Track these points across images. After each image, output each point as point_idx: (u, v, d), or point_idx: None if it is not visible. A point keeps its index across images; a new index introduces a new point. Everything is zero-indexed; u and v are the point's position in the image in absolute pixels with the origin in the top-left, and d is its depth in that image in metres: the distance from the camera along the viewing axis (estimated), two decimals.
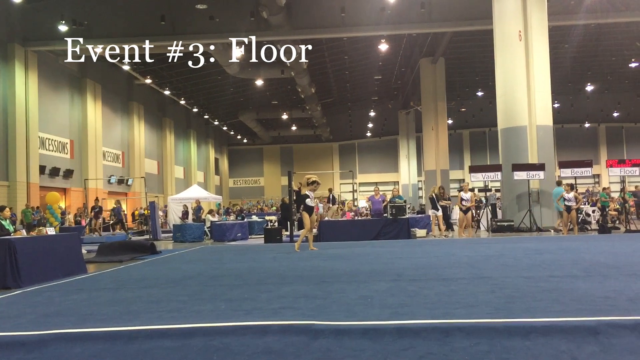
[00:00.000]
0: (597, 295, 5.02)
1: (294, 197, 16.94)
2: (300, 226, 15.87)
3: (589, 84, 42.64)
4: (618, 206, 22.70)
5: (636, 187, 27.24)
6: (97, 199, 24.20)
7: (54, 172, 26.13)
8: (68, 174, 27.27)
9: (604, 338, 3.60)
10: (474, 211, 20.67)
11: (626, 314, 4.05)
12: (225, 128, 50.88)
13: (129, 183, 33.54)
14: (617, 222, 21.20)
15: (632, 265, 7.43)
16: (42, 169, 24.91)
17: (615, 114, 49.31)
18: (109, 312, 4.98)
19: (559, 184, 17.84)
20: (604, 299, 4.78)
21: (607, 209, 21.41)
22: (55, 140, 26.88)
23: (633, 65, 35.80)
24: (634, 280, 5.89)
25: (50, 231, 9.94)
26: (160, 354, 3.66)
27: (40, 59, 25.16)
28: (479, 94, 42.99)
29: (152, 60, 30.33)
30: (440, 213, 17.44)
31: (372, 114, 49.36)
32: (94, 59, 27.13)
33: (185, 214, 24.01)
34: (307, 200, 11.66)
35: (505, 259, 8.60)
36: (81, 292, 6.64)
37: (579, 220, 17.90)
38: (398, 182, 49.65)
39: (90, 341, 3.92)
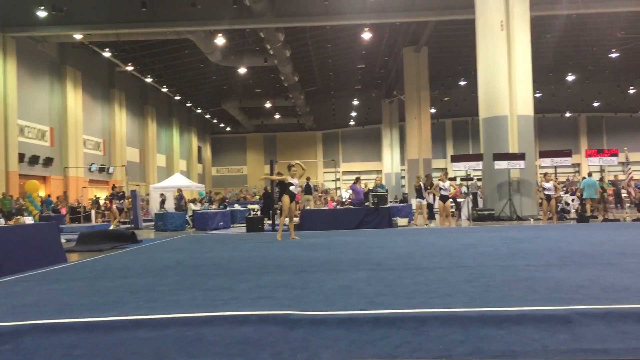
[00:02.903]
0: (571, 284, 5.10)
1: (277, 188, 16.92)
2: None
3: (570, 74, 43.00)
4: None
5: (615, 176, 27.65)
6: (113, 186, 22.34)
7: (34, 160, 25.80)
8: (48, 162, 26.95)
9: (576, 326, 3.67)
10: (459, 200, 20.89)
11: (598, 303, 4.12)
12: (208, 116, 50.59)
13: (110, 171, 33.24)
14: (596, 211, 21.48)
15: (607, 254, 7.55)
16: (21, 157, 24.56)
17: (595, 104, 49.82)
18: (86, 303, 4.95)
19: (589, 174, 18.63)
20: (578, 288, 4.86)
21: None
22: (34, 128, 26.51)
23: (613, 55, 36.13)
24: (608, 270, 5.99)
25: (29, 220, 9.85)
26: (136, 344, 3.66)
27: (19, 45, 24.73)
28: (462, 83, 43.17)
29: (134, 47, 30.04)
30: (425, 202, 17.55)
31: (355, 102, 49.35)
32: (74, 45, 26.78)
33: (162, 203, 23.84)
34: (291, 188, 11.68)
35: (484, 248, 8.69)
36: (59, 282, 6.60)
37: (558, 209, 18.13)
38: (381, 170, 49.77)
39: (66, 332, 3.90)
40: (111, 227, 18.54)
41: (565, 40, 34.99)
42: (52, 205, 24.07)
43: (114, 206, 19.73)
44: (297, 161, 12.34)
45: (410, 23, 30.21)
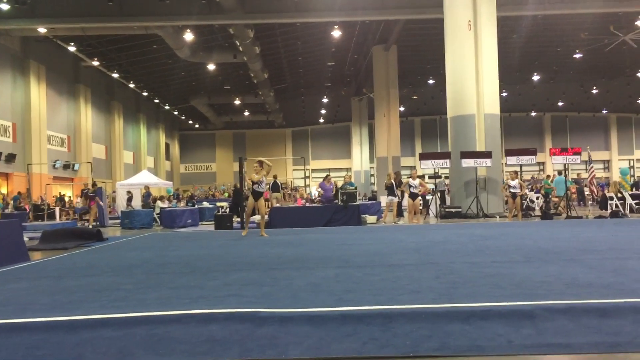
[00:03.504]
0: (536, 280, 5.20)
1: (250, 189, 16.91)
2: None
3: (535, 73, 43.82)
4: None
5: (578, 174, 28.29)
6: (94, 183, 21.59)
7: None
8: (10, 158, 26.28)
9: (539, 321, 3.73)
10: (428, 197, 21.08)
11: (561, 298, 4.21)
12: (176, 113, 50.02)
13: (75, 168, 32.62)
14: (559, 208, 21.95)
15: (571, 250, 7.73)
16: None
17: (560, 103, 50.92)
18: (49, 302, 4.84)
19: (559, 173, 19.07)
20: (542, 284, 4.96)
21: (550, 196, 22.13)
22: None
23: (577, 56, 36.92)
24: (571, 265, 6.13)
25: None
26: (102, 344, 3.59)
27: None
28: (431, 82, 43.59)
29: (100, 41, 29.50)
30: (397, 200, 17.64)
31: (325, 100, 49.41)
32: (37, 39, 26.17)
33: (129, 200, 23.52)
34: (255, 186, 11.66)
35: (451, 245, 8.79)
36: (21, 280, 6.44)
37: (523, 206, 18.46)
38: (351, 168, 50.01)
39: (28, 332, 3.81)
40: (90, 226, 18.56)
41: (531, 40, 35.61)
42: (17, 200, 23.55)
43: (94, 204, 19.65)
44: (262, 158, 12.29)
45: (380, 21, 30.35)
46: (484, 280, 5.28)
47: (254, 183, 11.73)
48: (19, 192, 25.15)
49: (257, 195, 11.80)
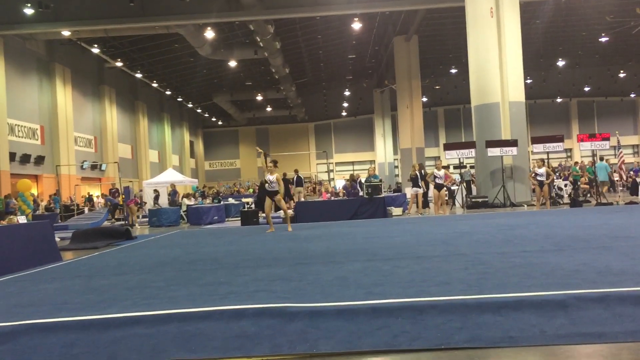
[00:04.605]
0: (567, 269, 5.12)
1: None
2: (278, 208, 15.95)
3: (560, 59, 43.09)
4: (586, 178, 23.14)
5: (606, 160, 27.75)
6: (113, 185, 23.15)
7: (25, 158, 25.66)
8: (39, 160, 26.81)
9: (572, 311, 3.68)
10: (453, 188, 20.92)
11: (593, 287, 4.14)
12: (199, 110, 50.39)
13: (102, 168, 33.11)
14: (589, 195, 21.59)
15: (601, 238, 7.59)
16: (12, 156, 24.42)
17: (586, 89, 49.98)
18: (82, 301, 4.93)
19: (601, 159, 19.78)
20: (574, 273, 4.87)
21: (578, 183, 21.78)
22: (24, 127, 26.34)
23: (603, 39, 36.19)
24: (603, 253, 6.02)
25: (22, 219, 9.80)
26: (135, 341, 3.64)
27: (6, 43, 24.56)
28: (453, 71, 43.16)
29: (122, 42, 29.84)
30: (422, 191, 17.54)
31: (347, 93, 49.27)
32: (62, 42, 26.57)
33: (156, 198, 23.80)
34: (267, 185, 11.93)
35: (479, 235, 8.71)
36: (54, 280, 6.57)
37: (552, 194, 18.20)
38: (374, 160, 49.80)
39: (63, 331, 3.88)
40: (136, 224, 19.81)
41: (555, 25, 35.01)
42: (59, 202, 24.07)
43: (132, 204, 20.11)
44: (259, 149, 12.59)
45: (400, 12, 30.10)
46: (513, 270, 5.22)
47: (265, 183, 11.91)
48: (56, 193, 25.64)
49: (271, 194, 11.99)
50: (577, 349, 3.26)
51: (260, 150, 12.84)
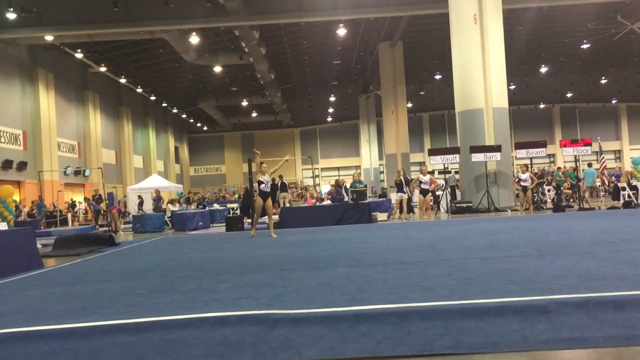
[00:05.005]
0: (549, 274, 5.16)
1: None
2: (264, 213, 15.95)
3: (543, 65, 43.54)
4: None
5: (589, 165, 28.06)
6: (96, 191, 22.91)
7: (7, 164, 25.36)
8: (22, 166, 26.50)
9: (554, 316, 3.70)
10: (438, 193, 21.03)
11: (575, 292, 4.17)
12: (184, 116, 50.21)
13: (86, 174, 32.81)
14: (571, 200, 21.81)
15: (584, 243, 7.67)
16: None
17: (568, 95, 50.54)
18: (63, 309, 4.87)
19: (589, 165, 20.50)
20: (555, 278, 4.92)
21: (561, 188, 21.99)
22: (6, 132, 26.05)
23: (585, 46, 36.64)
24: (584, 258, 6.08)
25: (3, 226, 9.66)
26: (116, 350, 3.61)
27: None
28: (437, 77, 43.43)
29: (107, 47, 29.65)
30: (407, 196, 17.63)
31: (332, 98, 49.38)
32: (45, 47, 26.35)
33: (140, 204, 23.65)
34: (262, 186, 11.75)
35: (462, 241, 8.75)
36: (35, 288, 6.48)
37: (535, 199, 18.36)
38: (360, 166, 49.93)
39: (43, 339, 3.83)
40: (120, 231, 19.52)
41: (538, 32, 35.40)
42: (44, 208, 23.74)
43: (114, 210, 19.93)
44: (257, 150, 12.56)
45: (385, 18, 30.29)
46: (496, 275, 5.25)
47: (260, 183, 11.82)
48: (40, 199, 25.30)
49: (264, 195, 11.88)
50: (559, 354, 3.28)
51: (257, 152, 12.75)
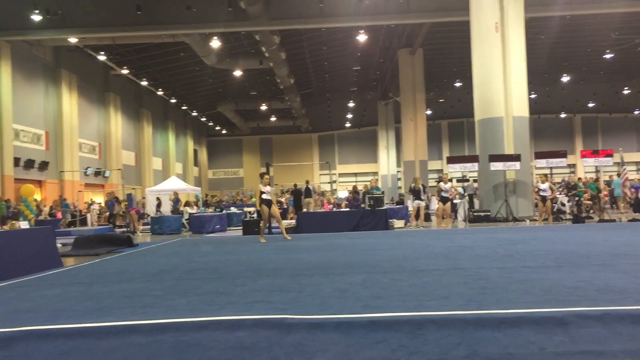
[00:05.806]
0: (567, 285, 5.10)
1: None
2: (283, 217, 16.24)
3: (564, 74, 43.12)
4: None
5: (610, 177, 27.70)
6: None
7: (29, 164, 25.72)
8: (43, 165, 26.86)
9: (572, 328, 3.66)
10: (456, 201, 20.90)
11: (593, 305, 4.12)
12: (204, 119, 50.52)
13: (105, 175, 33.14)
14: (591, 211, 21.53)
15: (602, 255, 7.56)
16: (16, 161, 24.51)
17: (590, 105, 49.97)
18: (81, 308, 4.92)
19: (618, 175, 20.94)
20: (574, 290, 4.86)
21: (581, 199, 21.70)
22: (29, 132, 26.44)
23: (608, 56, 36.24)
24: (603, 270, 5.99)
25: (24, 225, 9.81)
26: (131, 350, 3.63)
27: (13, 49, 24.69)
28: (457, 84, 43.22)
29: (129, 50, 30.00)
30: (424, 204, 17.56)
31: (351, 104, 49.37)
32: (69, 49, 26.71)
33: (158, 206, 23.83)
34: (264, 195, 12.30)
35: (480, 250, 8.68)
36: (54, 287, 6.56)
37: (554, 209, 18.15)
38: (377, 172, 49.78)
39: (60, 338, 3.88)
40: (138, 232, 19.56)
41: (560, 41, 35.08)
42: (69, 207, 24.06)
43: (133, 211, 20.08)
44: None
45: (406, 25, 30.23)
46: (514, 285, 5.20)
47: (262, 193, 12.30)
48: (64, 199, 25.63)
49: (267, 202, 12.36)
50: None
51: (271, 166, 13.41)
